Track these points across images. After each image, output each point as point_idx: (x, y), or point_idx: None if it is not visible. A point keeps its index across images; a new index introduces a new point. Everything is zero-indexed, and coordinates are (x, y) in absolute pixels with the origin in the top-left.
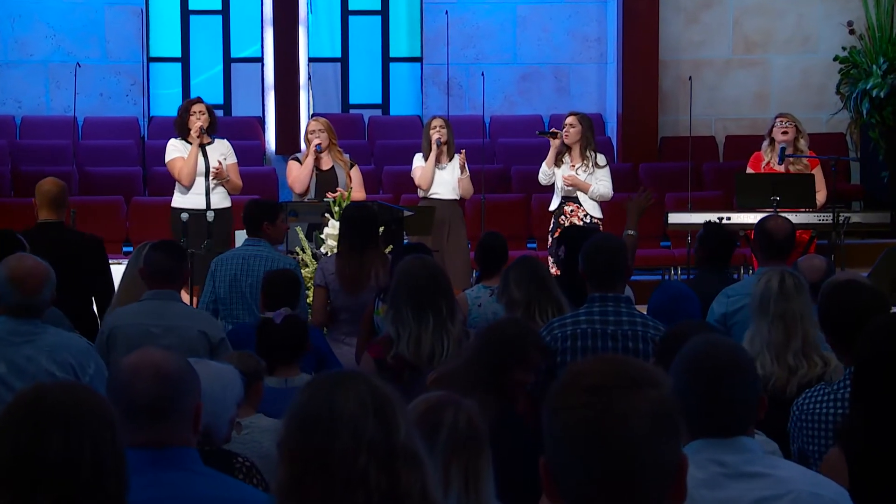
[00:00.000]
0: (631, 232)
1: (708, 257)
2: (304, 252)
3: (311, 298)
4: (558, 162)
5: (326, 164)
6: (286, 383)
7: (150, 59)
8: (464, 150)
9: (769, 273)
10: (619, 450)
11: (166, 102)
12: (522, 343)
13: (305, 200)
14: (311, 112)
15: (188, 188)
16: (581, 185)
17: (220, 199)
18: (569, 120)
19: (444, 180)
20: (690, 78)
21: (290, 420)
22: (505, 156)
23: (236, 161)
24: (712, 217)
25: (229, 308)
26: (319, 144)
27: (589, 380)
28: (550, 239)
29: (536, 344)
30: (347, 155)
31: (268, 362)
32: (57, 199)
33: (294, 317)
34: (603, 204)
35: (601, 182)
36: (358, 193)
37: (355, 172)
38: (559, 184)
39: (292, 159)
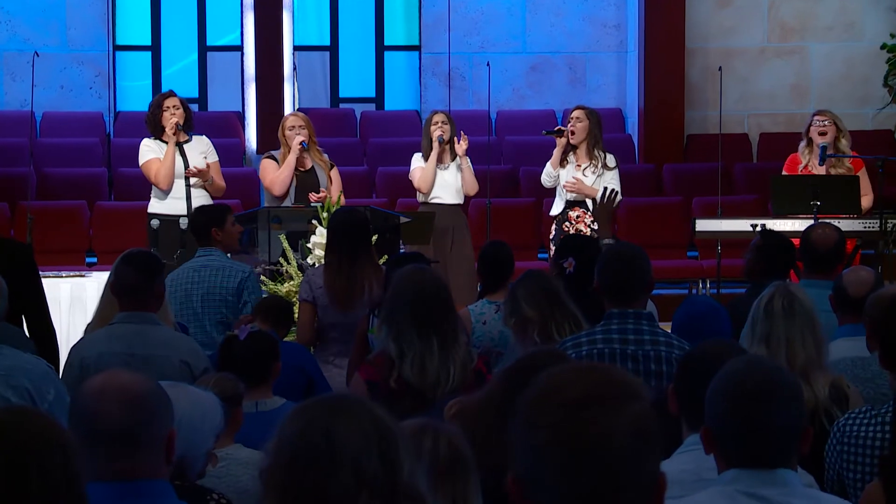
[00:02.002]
0: (609, 240)
1: (764, 269)
2: (288, 263)
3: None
4: (563, 162)
5: (307, 164)
6: (257, 407)
7: (117, 48)
8: (464, 134)
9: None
10: (598, 468)
11: (134, 96)
12: None
13: (283, 206)
14: (297, 106)
15: (166, 192)
16: (587, 191)
17: (202, 203)
18: (575, 114)
19: (447, 182)
20: (720, 68)
21: (280, 450)
22: (513, 155)
23: (218, 159)
24: (744, 224)
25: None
26: (304, 141)
27: (566, 394)
28: (553, 248)
29: None
30: (326, 155)
31: None
32: None
33: (261, 333)
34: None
35: (611, 185)
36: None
37: (335, 174)
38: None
39: (267, 157)
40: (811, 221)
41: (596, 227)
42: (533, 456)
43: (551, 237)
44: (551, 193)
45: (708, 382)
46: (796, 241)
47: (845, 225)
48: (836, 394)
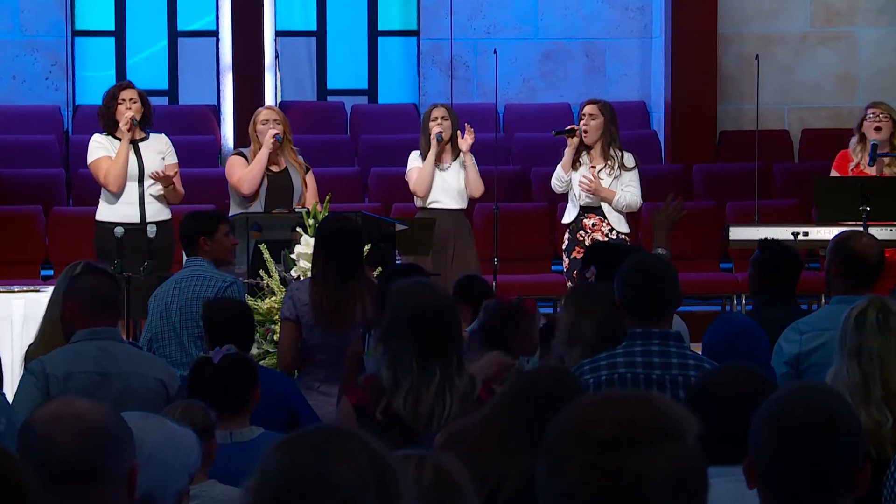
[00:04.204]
0: (661, 250)
1: (766, 285)
2: (269, 277)
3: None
4: (575, 164)
5: (279, 164)
6: (232, 438)
7: (76, 34)
8: (469, 127)
9: (860, 302)
10: None
11: (96, 87)
12: (565, 398)
13: (254, 210)
14: (279, 99)
15: (116, 196)
16: (603, 192)
17: (158, 210)
18: (587, 110)
19: (448, 185)
20: (758, 57)
21: (263, 487)
22: (523, 154)
23: (177, 161)
24: (785, 232)
25: (162, 345)
26: (279, 134)
27: (599, 431)
28: (567, 259)
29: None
30: (302, 157)
31: None
32: None
33: (237, 356)
34: (629, 216)
35: (628, 188)
36: (312, 203)
37: (311, 179)
38: (577, 191)
39: (235, 154)
40: (860, 229)
41: (615, 237)
42: (559, 498)
43: (564, 247)
44: (565, 198)
45: (719, 413)
46: None
47: None
48: None
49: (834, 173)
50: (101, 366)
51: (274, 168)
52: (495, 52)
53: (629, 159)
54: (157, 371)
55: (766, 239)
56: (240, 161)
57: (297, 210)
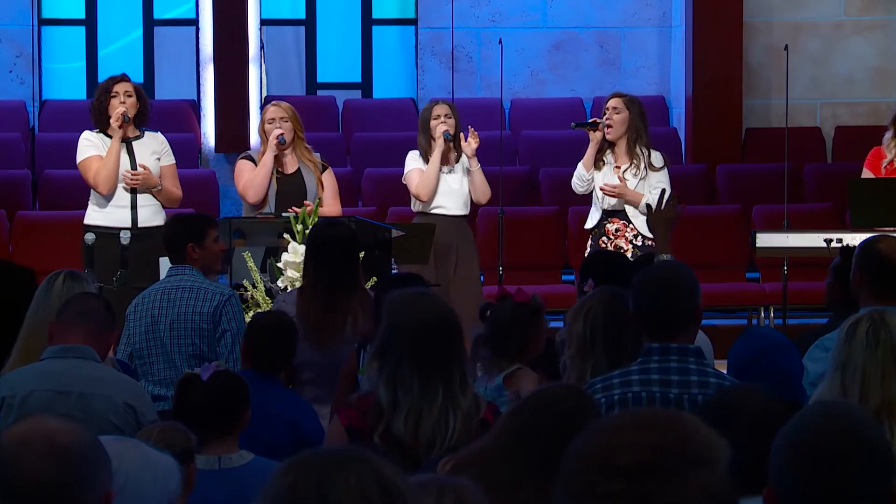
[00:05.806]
0: (665, 257)
1: (846, 295)
2: (254, 287)
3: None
4: (598, 163)
5: (291, 165)
6: (220, 463)
7: (43, 22)
8: (473, 130)
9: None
10: None
11: (65, 81)
12: (585, 421)
13: (258, 215)
14: (264, 93)
15: (107, 198)
16: (629, 195)
17: (152, 215)
18: (611, 103)
19: (452, 190)
20: (787, 47)
21: None
22: (531, 154)
23: (175, 162)
24: (816, 238)
25: (147, 361)
26: (282, 135)
27: (622, 458)
28: None
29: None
30: (318, 154)
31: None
32: None
33: (227, 373)
34: None
35: (657, 190)
36: (332, 206)
37: (328, 178)
38: (599, 193)
39: (243, 158)
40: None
41: (640, 243)
42: None
43: (587, 255)
44: (579, 200)
45: (732, 438)
46: None
47: None
48: None
49: (866, 172)
50: (64, 384)
51: (285, 170)
52: (501, 42)
53: (657, 158)
54: (128, 396)
55: (847, 245)
56: (248, 166)
57: (287, 214)
